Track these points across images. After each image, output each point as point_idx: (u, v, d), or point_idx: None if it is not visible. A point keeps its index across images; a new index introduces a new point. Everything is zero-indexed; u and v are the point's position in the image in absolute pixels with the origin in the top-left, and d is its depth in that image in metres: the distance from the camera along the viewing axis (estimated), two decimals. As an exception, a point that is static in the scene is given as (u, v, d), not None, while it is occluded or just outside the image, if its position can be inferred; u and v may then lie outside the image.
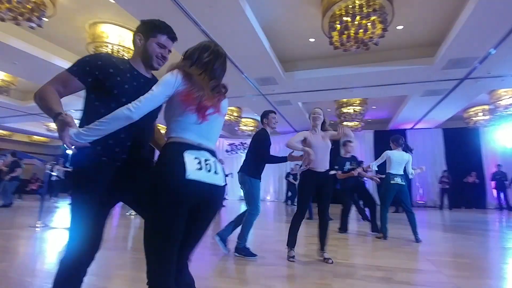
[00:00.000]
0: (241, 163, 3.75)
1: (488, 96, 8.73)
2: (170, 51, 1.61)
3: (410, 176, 5.04)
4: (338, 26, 4.79)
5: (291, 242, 3.46)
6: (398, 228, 5.66)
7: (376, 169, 5.17)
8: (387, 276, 2.81)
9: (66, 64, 6.97)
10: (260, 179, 3.63)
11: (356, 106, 9.30)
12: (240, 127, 12.23)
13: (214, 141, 1.46)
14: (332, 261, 3.25)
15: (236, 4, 4.58)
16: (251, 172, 3.58)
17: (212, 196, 1.31)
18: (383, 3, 4.59)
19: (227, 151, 15.55)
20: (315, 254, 3.60)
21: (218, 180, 1.32)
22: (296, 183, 10.53)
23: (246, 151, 3.72)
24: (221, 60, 1.51)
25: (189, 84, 1.35)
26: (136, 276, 2.76)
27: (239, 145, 15.53)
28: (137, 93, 1.34)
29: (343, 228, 5.30)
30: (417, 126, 12.23)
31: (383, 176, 5.03)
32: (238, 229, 3.65)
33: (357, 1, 4.54)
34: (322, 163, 3.41)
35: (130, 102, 1.29)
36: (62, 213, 7.75)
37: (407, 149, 4.99)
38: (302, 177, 3.50)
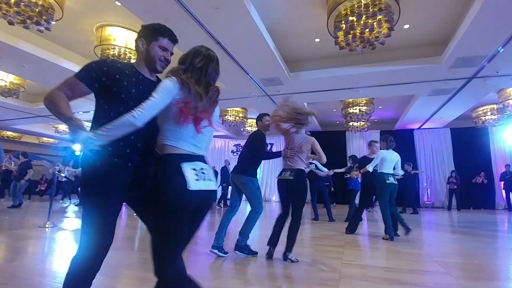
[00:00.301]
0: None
1: (497, 95, 8.60)
2: (172, 53, 1.65)
3: (398, 177, 5.07)
4: (344, 26, 4.76)
5: (271, 240, 3.55)
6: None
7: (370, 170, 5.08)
8: (394, 277, 2.80)
9: (74, 67, 7.07)
10: (256, 177, 3.77)
11: (362, 106, 9.23)
12: (246, 128, 12.22)
13: (206, 148, 1.56)
14: (298, 260, 3.31)
15: (241, 5, 4.59)
16: (251, 172, 3.69)
17: (207, 200, 1.48)
18: (389, 2, 4.55)
19: (232, 152, 15.60)
20: (320, 254, 3.59)
21: (212, 185, 1.47)
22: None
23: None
24: (214, 63, 1.55)
25: (185, 94, 1.41)
26: (144, 276, 2.79)
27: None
28: (144, 97, 1.39)
29: (350, 229, 5.25)
30: (425, 126, 12.10)
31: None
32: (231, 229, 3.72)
33: (362, 1, 4.51)
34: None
35: (138, 106, 1.35)
36: (71, 213, 7.84)
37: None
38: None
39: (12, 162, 10.22)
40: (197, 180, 1.37)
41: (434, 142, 12.38)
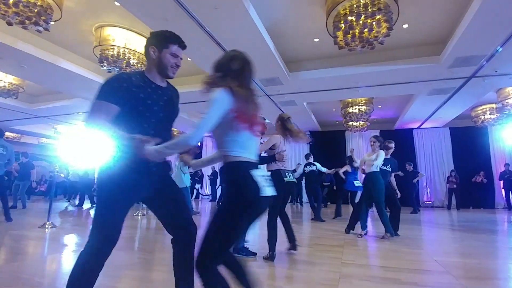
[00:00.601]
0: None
1: (496, 94, 8.63)
2: (181, 58, 1.74)
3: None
4: (343, 26, 4.76)
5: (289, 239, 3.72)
6: (404, 228, 5.62)
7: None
8: (394, 277, 2.80)
9: (73, 67, 7.07)
10: None
11: (362, 105, 9.24)
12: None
13: (256, 155, 1.63)
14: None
15: (240, 5, 4.59)
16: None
17: (268, 205, 1.55)
18: (388, 2, 4.56)
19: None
20: (320, 254, 3.59)
21: (273, 191, 1.54)
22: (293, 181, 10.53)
23: None
24: (250, 66, 1.61)
25: (238, 102, 1.46)
26: (145, 276, 2.79)
27: None
28: (157, 105, 1.60)
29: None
30: (424, 125, 12.11)
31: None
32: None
33: (361, 0, 4.51)
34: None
35: (153, 116, 1.57)
36: (70, 214, 7.84)
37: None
38: None
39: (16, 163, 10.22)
40: (266, 186, 1.46)
41: (434, 141, 12.38)
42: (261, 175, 1.48)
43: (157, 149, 1.42)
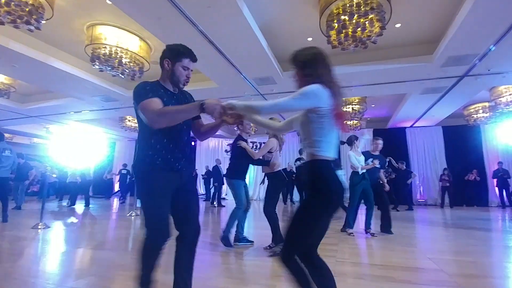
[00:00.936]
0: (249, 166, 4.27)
1: (489, 93, 8.70)
2: (192, 70, 1.94)
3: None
4: (336, 25, 4.77)
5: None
6: (398, 226, 5.65)
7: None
8: (388, 275, 2.81)
9: (65, 66, 6.99)
10: (243, 179, 4.20)
11: (355, 104, 9.27)
12: (240, 127, 12.18)
13: None
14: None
15: (233, 4, 4.57)
16: (233, 175, 4.16)
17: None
18: (380, 1, 4.57)
19: (226, 151, 15.53)
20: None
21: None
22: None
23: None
24: (329, 61, 1.65)
25: (334, 99, 1.53)
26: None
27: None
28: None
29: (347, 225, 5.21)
30: (417, 124, 12.20)
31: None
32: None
33: (354, 0, 4.53)
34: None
35: None
36: (62, 214, 7.75)
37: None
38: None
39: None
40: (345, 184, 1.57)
41: (426, 140, 12.48)
42: (341, 174, 1.61)
43: (234, 103, 1.60)
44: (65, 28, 6.04)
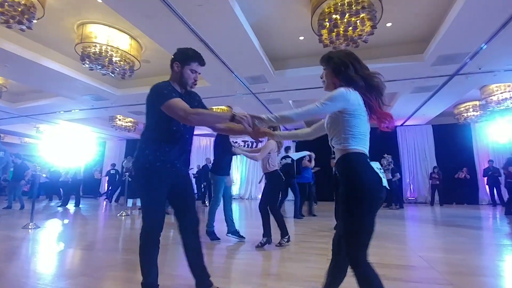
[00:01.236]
0: (232, 162, 4.50)
1: (479, 91, 8.80)
2: (199, 73, 2.05)
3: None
4: (327, 24, 4.78)
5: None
6: (389, 224, 5.70)
7: None
8: (380, 272, 2.78)
9: (55, 65, 6.91)
10: (222, 175, 4.38)
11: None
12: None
13: None
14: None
15: (225, 3, 4.55)
16: (214, 170, 4.39)
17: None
18: (372, 0, 4.60)
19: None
20: (306, 251, 3.61)
21: (386, 182, 1.56)
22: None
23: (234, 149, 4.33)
24: (362, 64, 1.75)
25: (375, 102, 1.67)
26: (128, 276, 2.74)
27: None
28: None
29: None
30: (407, 123, 12.32)
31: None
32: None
33: (346, -1, 4.55)
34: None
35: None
36: (53, 214, 7.65)
37: None
38: None
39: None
40: (384, 178, 1.53)
41: (417, 138, 12.62)
42: (379, 167, 1.57)
43: (265, 117, 1.68)
44: (55, 27, 5.97)
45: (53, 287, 2.42)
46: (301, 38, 6.38)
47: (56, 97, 9.46)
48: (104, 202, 11.98)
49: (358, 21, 4.62)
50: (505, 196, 10.06)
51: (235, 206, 10.38)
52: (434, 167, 11.38)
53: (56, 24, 5.87)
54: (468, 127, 11.83)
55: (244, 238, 4.36)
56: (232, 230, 4.38)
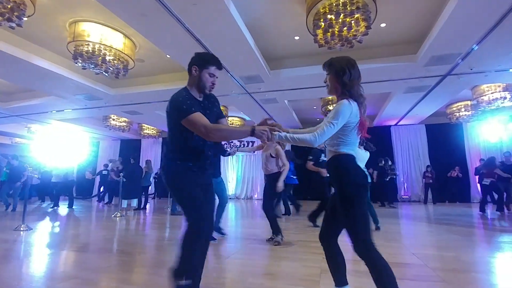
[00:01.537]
0: (228, 162, 4.44)
1: (471, 91, 8.91)
2: (217, 77, 2.06)
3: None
4: (323, 24, 4.80)
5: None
6: (383, 222, 5.73)
7: None
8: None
9: (47, 64, 6.81)
10: (217, 176, 4.49)
11: (342, 103, 9.35)
12: (227, 126, 12.13)
13: None
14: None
15: (220, 2, 4.53)
16: None
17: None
18: (366, 1, 4.62)
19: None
20: (302, 250, 3.62)
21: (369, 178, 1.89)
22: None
23: (231, 150, 4.34)
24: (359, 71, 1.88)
25: (361, 112, 1.76)
26: (122, 278, 2.72)
27: (225, 144, 15.44)
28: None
29: (312, 221, 5.51)
30: (401, 123, 12.42)
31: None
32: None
33: (340, -1, 4.57)
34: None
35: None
36: (45, 215, 7.56)
37: None
38: None
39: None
40: (368, 175, 1.81)
41: (410, 138, 12.74)
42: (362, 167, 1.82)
43: (284, 135, 1.78)
44: (47, 25, 5.88)
45: (46, 289, 2.40)
46: (297, 38, 6.39)
47: (48, 97, 9.33)
48: (97, 203, 11.86)
49: (352, 22, 4.64)
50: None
51: (231, 206, 10.38)
52: (428, 166, 11.50)
53: (48, 22, 5.78)
54: (460, 126, 11.99)
55: (226, 235, 4.62)
56: (217, 226, 4.49)
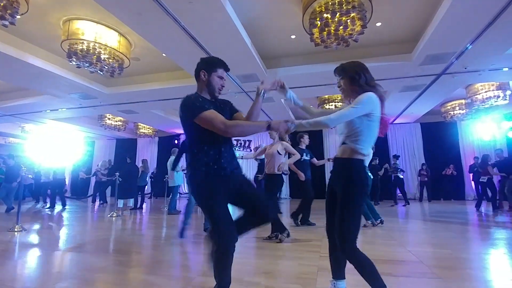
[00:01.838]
0: None
1: (465, 90, 8.98)
2: (225, 79, 2.10)
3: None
4: (319, 23, 4.81)
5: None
6: (380, 221, 5.76)
7: None
8: (370, 268, 2.86)
9: (40, 63, 6.74)
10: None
11: (338, 102, 9.36)
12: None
13: None
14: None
15: (216, 0, 4.52)
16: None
17: None
18: (362, 0, 4.64)
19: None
20: (299, 248, 3.62)
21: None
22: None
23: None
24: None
25: (382, 109, 1.81)
26: (120, 278, 2.71)
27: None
28: None
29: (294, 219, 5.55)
30: (396, 121, 12.49)
31: None
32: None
33: (336, -2, 4.58)
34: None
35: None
36: (40, 216, 7.50)
37: None
38: None
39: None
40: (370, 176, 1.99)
41: (406, 136, 12.83)
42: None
43: (298, 122, 1.78)
44: (40, 23, 5.82)
45: (42, 290, 2.38)
46: (293, 36, 6.39)
47: (42, 96, 9.24)
48: (96, 203, 11.78)
49: (348, 21, 4.65)
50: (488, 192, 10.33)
51: (229, 206, 10.34)
52: (423, 164, 11.59)
53: (41, 20, 5.72)
54: (454, 125, 12.09)
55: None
56: (207, 227, 4.62)
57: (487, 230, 5.19)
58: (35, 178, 11.63)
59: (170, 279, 2.64)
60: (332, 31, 4.83)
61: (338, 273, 1.98)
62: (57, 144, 8.79)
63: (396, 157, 10.65)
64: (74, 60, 5.72)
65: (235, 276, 2.75)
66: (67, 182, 15.13)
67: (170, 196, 8.26)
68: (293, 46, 6.86)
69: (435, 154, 12.22)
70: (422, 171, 11.33)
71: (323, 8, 4.67)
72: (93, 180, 13.59)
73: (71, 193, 15.52)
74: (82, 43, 5.61)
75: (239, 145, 14.51)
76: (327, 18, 4.67)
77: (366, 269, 1.77)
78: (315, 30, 4.94)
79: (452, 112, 10.53)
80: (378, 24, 5.89)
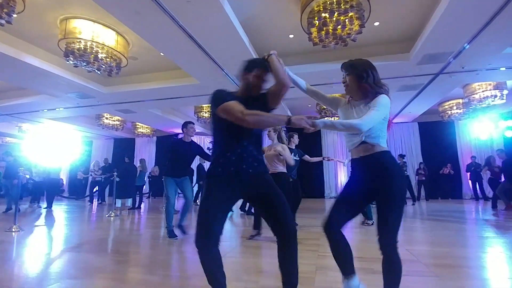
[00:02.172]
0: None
1: (462, 90, 9.01)
2: (264, 80, 2.10)
3: None
4: (317, 23, 4.81)
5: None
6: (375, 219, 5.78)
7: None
8: (368, 266, 2.87)
9: (37, 62, 6.70)
10: (171, 177, 4.61)
11: (336, 101, 9.39)
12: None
13: None
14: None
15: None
16: (164, 172, 4.74)
17: None
18: (360, 0, 4.65)
19: (208, 148, 15.40)
20: (298, 248, 3.62)
21: None
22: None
23: None
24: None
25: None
26: (118, 278, 2.70)
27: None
28: None
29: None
30: (394, 121, 12.51)
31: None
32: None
33: (334, -3, 4.58)
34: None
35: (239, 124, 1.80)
36: (38, 216, 7.48)
37: None
38: None
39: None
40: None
41: (403, 135, 12.89)
42: None
43: (327, 122, 1.78)
44: (37, 22, 5.79)
45: (39, 290, 2.37)
46: (291, 36, 6.39)
47: (39, 95, 9.19)
48: (94, 203, 11.74)
49: (346, 20, 4.66)
50: (487, 190, 10.39)
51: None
52: (420, 163, 11.63)
53: (38, 18, 5.69)
54: (452, 124, 12.14)
55: (177, 237, 4.44)
56: (170, 229, 4.50)
57: (484, 228, 5.21)
58: (32, 178, 11.60)
59: (168, 279, 2.64)
60: (330, 30, 4.84)
61: (347, 269, 1.99)
62: (55, 144, 8.73)
63: (402, 156, 10.60)
64: (71, 59, 5.70)
65: (232, 276, 2.76)
66: (64, 182, 15.07)
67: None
68: (291, 45, 6.86)
69: (432, 153, 12.28)
70: (419, 170, 11.37)
71: (321, 7, 4.67)
72: (90, 180, 13.58)
73: (69, 193, 15.47)
74: (80, 42, 5.59)
75: None
76: (325, 17, 4.67)
77: (399, 271, 1.79)
78: (313, 30, 4.94)
79: (449, 112, 10.56)
80: (376, 23, 5.90)
